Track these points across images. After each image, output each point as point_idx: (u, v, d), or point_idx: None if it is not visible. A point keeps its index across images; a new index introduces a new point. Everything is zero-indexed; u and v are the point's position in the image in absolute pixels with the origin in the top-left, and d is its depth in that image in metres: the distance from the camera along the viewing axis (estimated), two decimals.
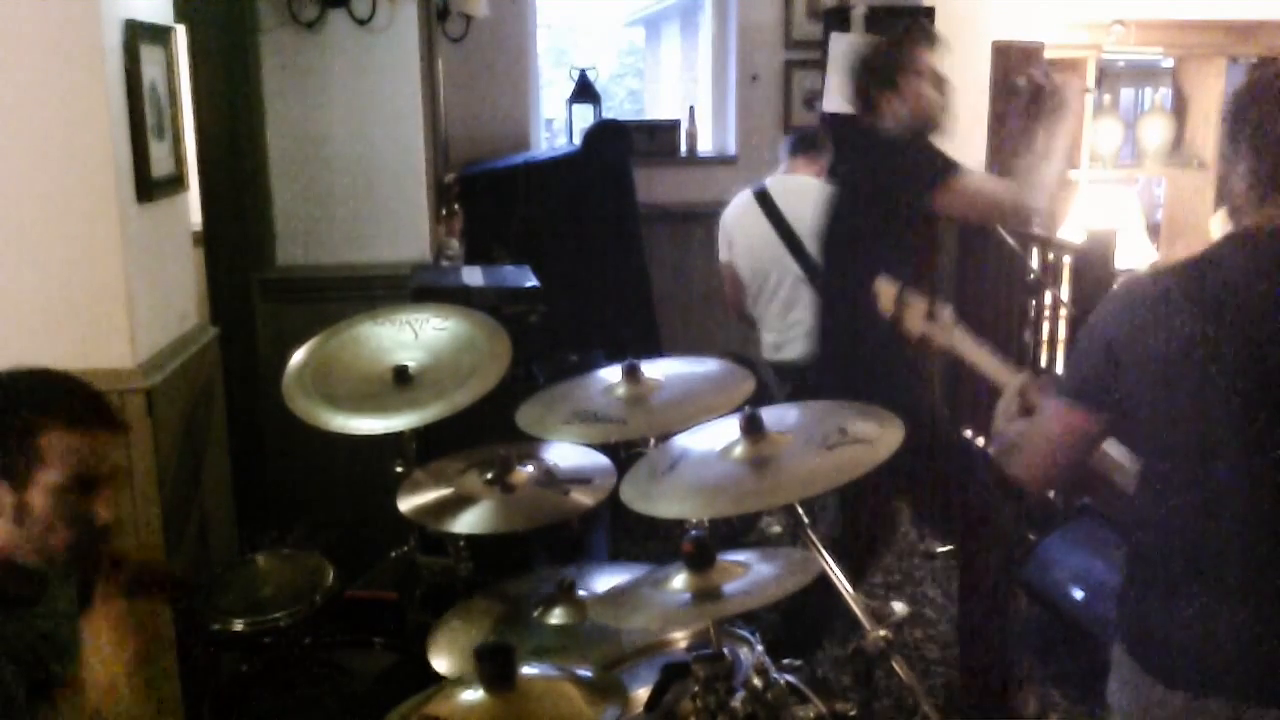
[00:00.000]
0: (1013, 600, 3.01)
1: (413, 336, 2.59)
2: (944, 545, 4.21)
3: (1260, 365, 1.47)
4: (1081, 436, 1.67)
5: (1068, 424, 1.67)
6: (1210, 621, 1.52)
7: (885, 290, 2.15)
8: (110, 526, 1.64)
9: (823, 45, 4.64)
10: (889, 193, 2.81)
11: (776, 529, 4.15)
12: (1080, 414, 1.64)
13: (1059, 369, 4.27)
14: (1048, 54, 4.99)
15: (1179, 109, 5.79)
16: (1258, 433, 1.47)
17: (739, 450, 1.85)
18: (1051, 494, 4.27)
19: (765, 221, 3.78)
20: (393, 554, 2.57)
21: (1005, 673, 2.96)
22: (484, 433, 2.40)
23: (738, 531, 3.85)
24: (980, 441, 4.95)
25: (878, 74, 2.89)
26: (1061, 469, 1.75)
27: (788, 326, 3.77)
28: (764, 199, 3.83)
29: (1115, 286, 1.65)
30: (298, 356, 2.57)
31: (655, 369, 2.37)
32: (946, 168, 2.78)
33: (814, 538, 1.91)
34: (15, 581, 1.62)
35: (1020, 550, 3.43)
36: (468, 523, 2.12)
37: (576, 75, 5.41)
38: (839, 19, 4.56)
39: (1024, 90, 2.90)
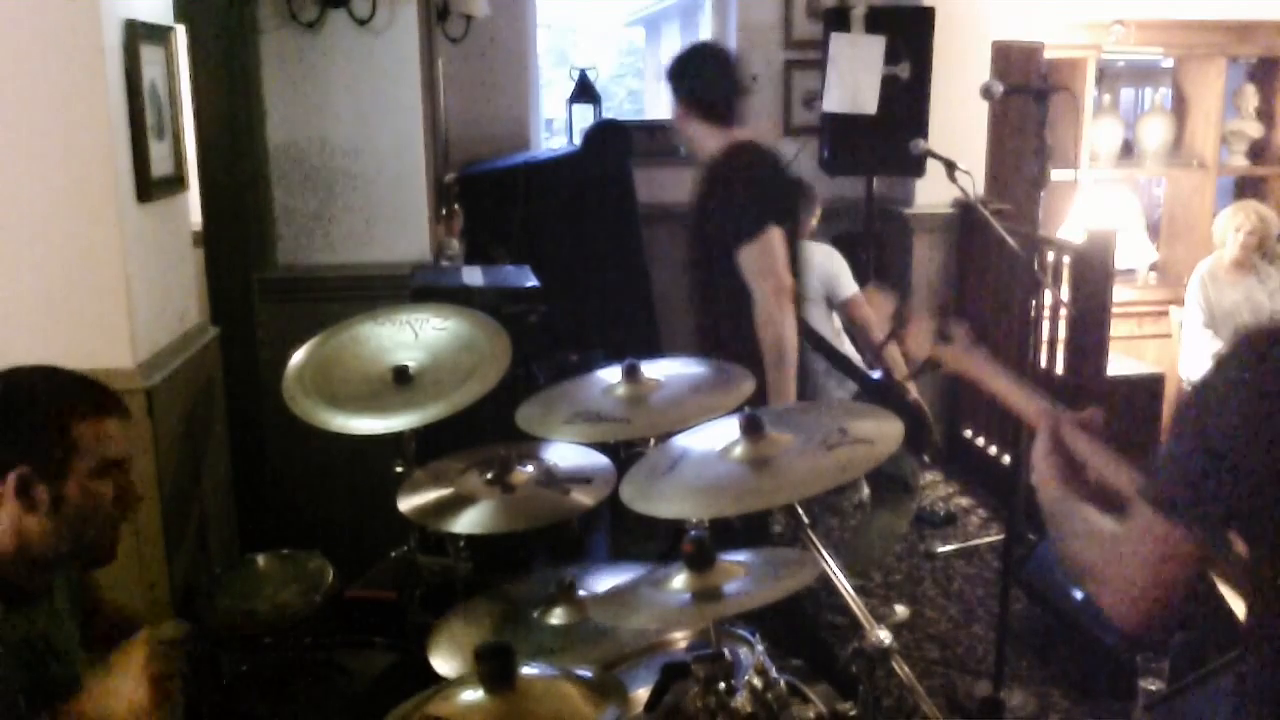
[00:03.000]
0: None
1: (413, 336, 2.59)
2: (945, 545, 4.22)
3: None
4: (1188, 559, 1.24)
5: (1168, 545, 1.24)
6: None
7: (878, 303, 1.85)
8: (127, 505, 1.70)
9: (823, 45, 4.64)
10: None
11: (776, 529, 4.15)
12: (1182, 530, 1.22)
13: (1059, 370, 4.27)
14: (1048, 54, 5.00)
15: (1179, 109, 5.79)
16: None
17: (739, 450, 1.85)
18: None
19: None
20: (393, 554, 2.57)
21: None
22: (484, 433, 2.40)
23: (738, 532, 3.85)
24: (980, 442, 4.96)
25: None
26: (1165, 602, 1.28)
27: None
28: None
29: (1232, 345, 1.25)
30: (298, 356, 2.57)
31: (655, 369, 2.36)
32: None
33: (814, 537, 1.91)
34: (28, 577, 1.65)
35: (1020, 550, 3.43)
36: (468, 523, 2.12)
37: (576, 75, 5.41)
38: (839, 19, 4.55)
39: None
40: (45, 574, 1.69)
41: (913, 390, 3.82)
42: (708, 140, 3.07)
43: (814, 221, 3.97)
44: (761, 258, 2.91)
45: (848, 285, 3.79)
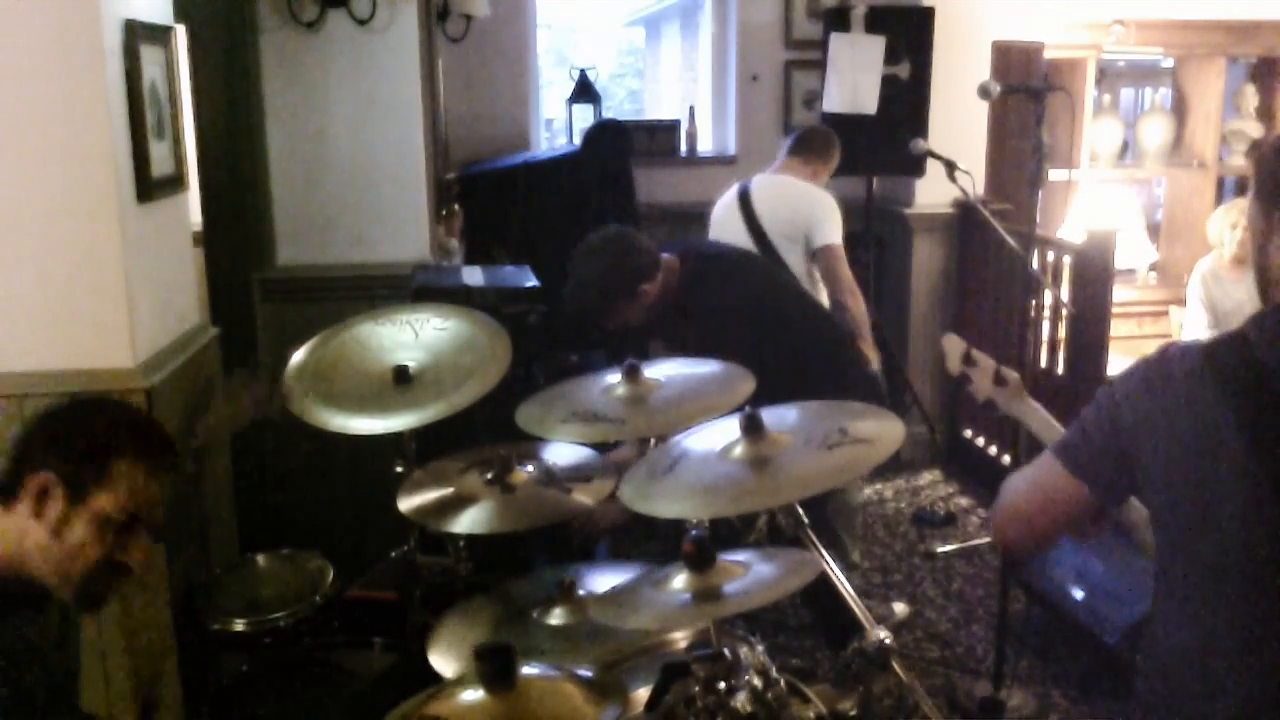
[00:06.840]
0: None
1: (413, 336, 2.58)
2: (945, 545, 4.22)
3: None
4: (1075, 507, 1.52)
5: (1064, 491, 1.51)
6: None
7: (952, 347, 2.09)
8: (131, 570, 1.65)
9: (823, 45, 4.64)
10: None
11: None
12: (1078, 484, 1.49)
13: (1059, 370, 4.27)
14: (1048, 54, 5.00)
15: (1179, 109, 5.79)
16: None
17: (739, 450, 1.84)
18: None
19: (742, 222, 3.75)
20: (393, 554, 2.57)
21: None
22: (484, 433, 2.40)
23: (738, 532, 3.84)
24: (980, 442, 4.96)
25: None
26: (1047, 534, 1.62)
27: None
28: (744, 198, 3.80)
29: (1141, 360, 1.48)
30: (298, 356, 2.56)
31: (655, 369, 2.36)
32: None
33: (813, 537, 1.91)
34: (22, 585, 1.62)
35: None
36: (468, 523, 2.12)
37: (576, 75, 5.41)
38: (839, 19, 4.56)
39: None
40: (31, 587, 1.64)
41: (875, 362, 3.73)
42: (654, 298, 2.95)
43: (833, 165, 3.97)
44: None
45: (829, 233, 3.70)
